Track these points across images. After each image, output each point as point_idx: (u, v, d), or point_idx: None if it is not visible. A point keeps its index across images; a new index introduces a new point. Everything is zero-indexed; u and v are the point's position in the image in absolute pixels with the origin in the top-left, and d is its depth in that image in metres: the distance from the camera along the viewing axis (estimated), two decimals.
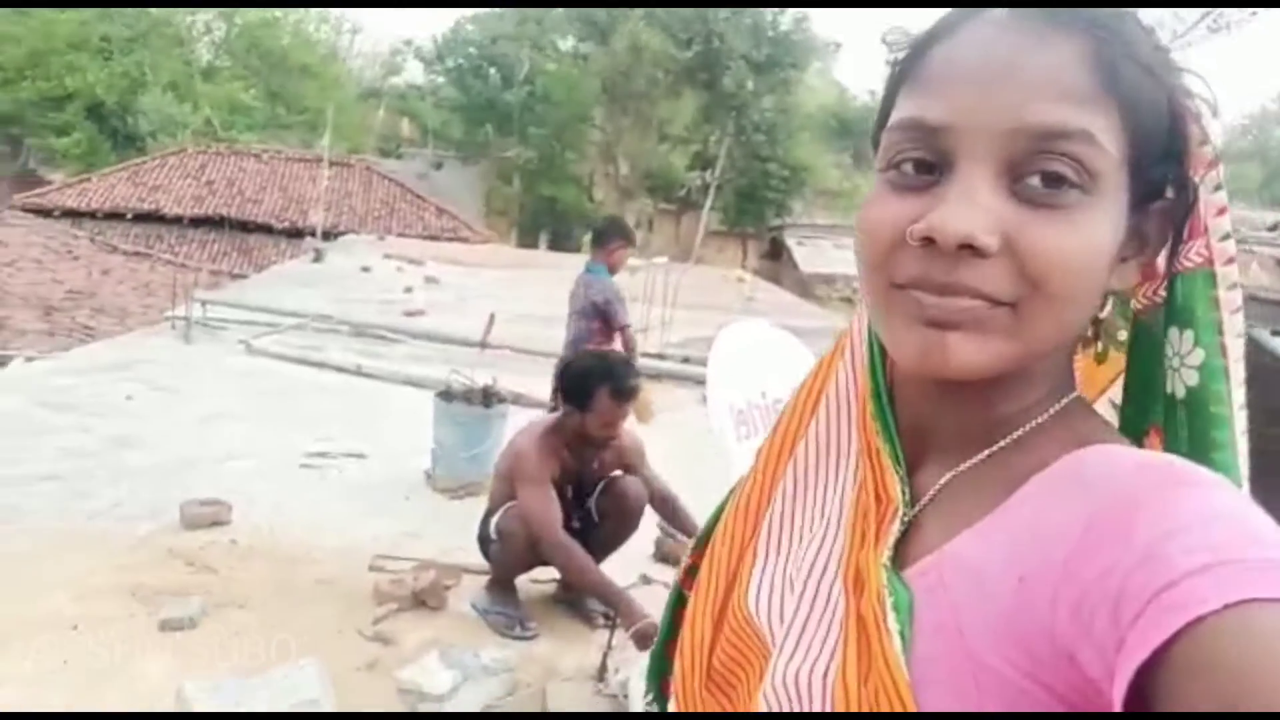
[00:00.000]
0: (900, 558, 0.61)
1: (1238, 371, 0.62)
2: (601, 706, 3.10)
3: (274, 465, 5.26)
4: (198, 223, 20.89)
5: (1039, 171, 0.54)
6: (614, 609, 3.42)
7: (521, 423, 5.13)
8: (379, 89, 37.25)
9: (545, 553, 3.52)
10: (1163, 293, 0.63)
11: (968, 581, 0.56)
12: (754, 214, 27.58)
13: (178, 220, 20.78)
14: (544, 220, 31.74)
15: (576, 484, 3.74)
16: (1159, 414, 0.64)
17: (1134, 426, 0.66)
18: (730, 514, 0.80)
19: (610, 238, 5.58)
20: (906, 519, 0.63)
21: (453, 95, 32.79)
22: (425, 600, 3.77)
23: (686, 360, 9.08)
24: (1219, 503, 0.49)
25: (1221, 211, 0.61)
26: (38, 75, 27.03)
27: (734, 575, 0.76)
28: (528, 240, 31.19)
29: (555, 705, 3.13)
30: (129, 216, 20.51)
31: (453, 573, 3.99)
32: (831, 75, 36.78)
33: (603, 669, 3.30)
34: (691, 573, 0.84)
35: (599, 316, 5.42)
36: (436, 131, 32.48)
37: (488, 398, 5.19)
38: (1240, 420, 0.62)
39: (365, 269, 14.53)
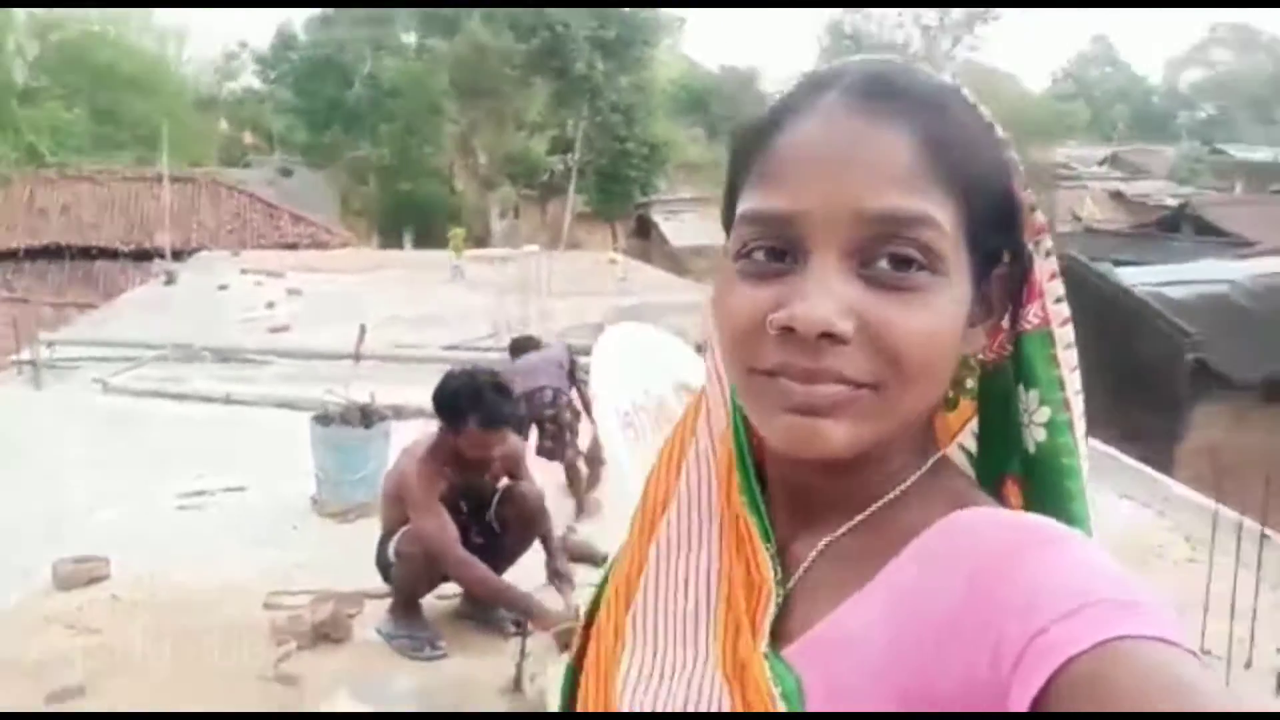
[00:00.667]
0: (777, 634, 0.62)
1: (1080, 426, 0.66)
2: None
3: (148, 510, 5.02)
4: (34, 254, 19.56)
5: (886, 255, 0.56)
6: (526, 615, 3.43)
7: (406, 437, 5.06)
8: (215, 97, 35.65)
9: (448, 572, 3.49)
10: (1009, 346, 0.66)
11: (850, 649, 0.57)
12: (619, 194, 27.61)
13: (12, 254, 19.42)
14: (405, 217, 31.02)
15: (471, 496, 3.71)
16: (1014, 465, 0.67)
17: (987, 475, 0.69)
18: (610, 592, 0.78)
19: None
20: (780, 598, 0.63)
21: (292, 99, 31.66)
22: (328, 633, 3.68)
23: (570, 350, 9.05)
24: (1082, 555, 0.53)
25: (1053, 276, 0.65)
26: None
27: (618, 653, 0.74)
28: (390, 239, 30.45)
29: None
30: None
31: (354, 600, 3.91)
32: (680, 50, 37.10)
33: (518, 679, 3.30)
34: (582, 651, 0.81)
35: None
36: (281, 137, 31.33)
37: (367, 417, 5.08)
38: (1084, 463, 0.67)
39: (222, 287, 13.95)
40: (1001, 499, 0.67)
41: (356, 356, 8.41)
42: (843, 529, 0.63)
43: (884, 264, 0.56)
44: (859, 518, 0.62)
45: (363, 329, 8.68)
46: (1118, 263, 10.49)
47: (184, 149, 25.77)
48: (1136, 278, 9.59)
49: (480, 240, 24.16)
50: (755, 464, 0.68)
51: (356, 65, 30.05)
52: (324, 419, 5.06)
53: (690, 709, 0.64)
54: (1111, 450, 6.12)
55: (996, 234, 0.61)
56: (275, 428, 6.53)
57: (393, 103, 28.95)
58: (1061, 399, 0.64)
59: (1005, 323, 0.65)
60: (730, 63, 39.14)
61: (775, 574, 0.64)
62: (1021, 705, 0.47)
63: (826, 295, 0.55)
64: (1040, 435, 0.65)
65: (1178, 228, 18.00)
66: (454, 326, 10.67)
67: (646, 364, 3.15)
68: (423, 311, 11.92)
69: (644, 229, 26.30)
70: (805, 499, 0.65)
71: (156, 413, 7.04)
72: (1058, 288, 0.64)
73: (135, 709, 3.19)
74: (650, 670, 0.68)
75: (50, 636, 3.67)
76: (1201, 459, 6.27)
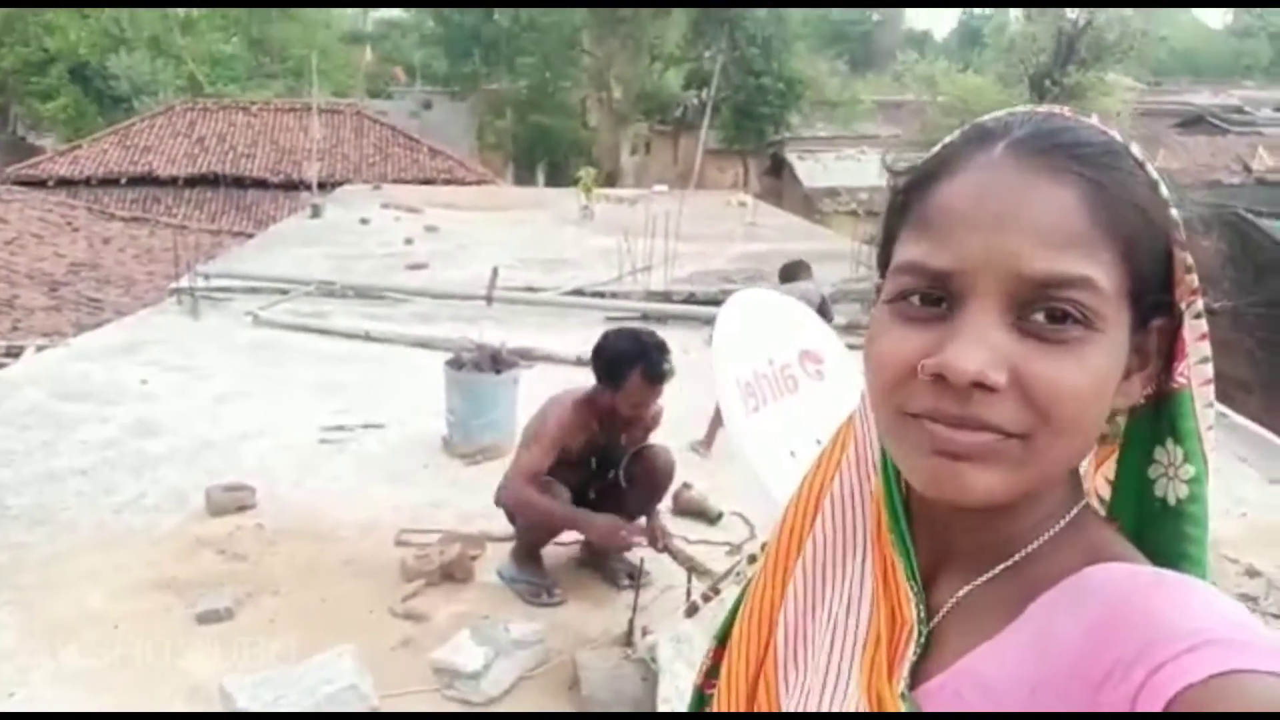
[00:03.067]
0: (916, 673, 0.65)
1: (1209, 485, 0.67)
2: (630, 672, 3.19)
3: (292, 442, 5.33)
4: (193, 182, 20.68)
5: (1043, 309, 0.57)
6: (578, 529, 3.65)
7: (536, 380, 5.18)
8: (361, 29, 36.51)
9: (507, 504, 3.66)
10: (1151, 399, 0.67)
11: (982, 695, 0.60)
12: (753, 131, 27.11)
13: (172, 181, 20.57)
14: (539, 152, 31.35)
15: (602, 456, 3.79)
16: (1129, 520, 0.68)
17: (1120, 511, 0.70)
18: (744, 619, 0.82)
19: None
20: (922, 639, 0.66)
21: (435, 29, 32.09)
22: (452, 574, 3.86)
23: (692, 298, 9.06)
24: (1202, 597, 0.55)
25: (1202, 337, 0.65)
26: (16, 40, 26.59)
27: (754, 681, 0.79)
28: (524, 173, 30.86)
29: (585, 674, 3.23)
30: (123, 181, 20.31)
31: (477, 543, 4.08)
32: None
33: (630, 633, 3.40)
34: (712, 673, 0.86)
35: None
36: (423, 69, 31.88)
37: (497, 363, 5.22)
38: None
39: (364, 221, 14.47)
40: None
41: (489, 298, 8.66)
42: (986, 575, 0.65)
43: (1040, 317, 0.57)
44: (1002, 566, 0.64)
45: (495, 271, 8.92)
46: None
47: (331, 80, 26.62)
48: None
49: (610, 177, 24.21)
50: (905, 508, 0.70)
51: None
52: (456, 363, 5.24)
53: None
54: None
55: (1154, 292, 0.61)
56: (411, 366, 6.81)
57: (530, 35, 29.04)
58: (1204, 458, 0.65)
59: (1155, 374, 0.66)
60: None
61: (920, 615, 0.66)
62: None
63: (980, 345, 0.57)
64: (1183, 492, 0.66)
65: None
66: (582, 268, 10.80)
67: (771, 331, 3.14)
68: (551, 253, 12.10)
69: (777, 168, 25.81)
70: (948, 541, 0.67)
71: (302, 347, 7.42)
72: (1205, 349, 0.65)
73: (276, 633, 3.44)
74: (797, 701, 0.73)
75: (201, 561, 3.97)
76: None
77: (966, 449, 0.57)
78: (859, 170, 22.41)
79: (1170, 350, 0.64)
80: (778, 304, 3.36)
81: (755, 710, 0.77)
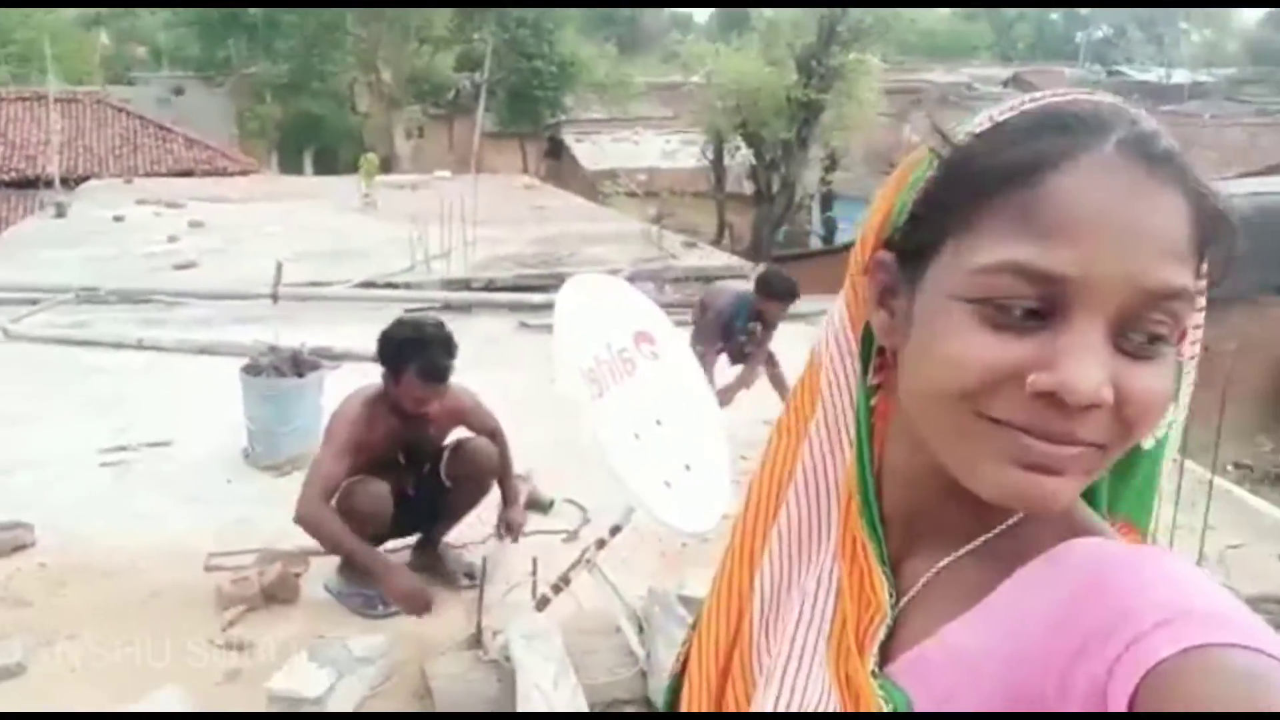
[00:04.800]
0: (885, 652, 0.64)
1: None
2: (485, 674, 3.10)
3: (68, 470, 4.81)
4: None
5: (1145, 326, 0.56)
6: (373, 576, 3.36)
7: (342, 381, 4.91)
8: (94, 10, 33.32)
9: (298, 519, 3.37)
10: None
11: (954, 664, 0.60)
12: (529, 114, 26.97)
13: None
14: (306, 139, 29.84)
15: (412, 451, 3.64)
16: (1124, 505, 0.70)
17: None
18: (712, 601, 0.80)
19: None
20: (891, 619, 0.65)
21: (184, 11, 29.75)
22: (276, 595, 3.61)
23: (492, 284, 8.92)
24: (1175, 571, 0.56)
25: (1199, 309, 0.66)
26: None
27: (726, 663, 0.77)
28: (290, 162, 29.30)
29: (436, 682, 3.11)
30: None
31: (299, 559, 3.83)
32: None
33: (479, 634, 3.30)
34: (689, 660, 0.84)
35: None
36: (172, 52, 29.53)
37: (299, 365, 4.92)
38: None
39: (118, 219, 13.23)
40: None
41: (275, 296, 8.15)
42: (960, 552, 0.65)
43: (1139, 336, 0.56)
44: (978, 541, 0.64)
45: (279, 266, 8.40)
46: None
47: (64, 66, 24.19)
48: None
49: (386, 164, 23.38)
50: (875, 484, 0.69)
51: None
52: (254, 368, 4.89)
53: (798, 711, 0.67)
54: None
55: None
56: (195, 375, 6.30)
57: (291, 16, 27.52)
58: (1174, 418, 0.68)
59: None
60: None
61: (890, 596, 0.66)
62: (1118, 709, 0.50)
63: (1098, 365, 0.55)
64: (1149, 444, 0.68)
65: None
66: (371, 259, 10.37)
67: (607, 317, 3.11)
68: (336, 244, 11.55)
69: (556, 150, 25.83)
70: (922, 519, 0.67)
71: (65, 362, 6.67)
72: (1199, 319, 0.67)
73: (81, 683, 3.09)
74: (765, 682, 0.71)
75: None
76: None
77: (1060, 463, 0.57)
78: (636, 152, 22.83)
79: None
80: (610, 287, 3.34)
81: (728, 691, 0.76)
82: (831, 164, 16.49)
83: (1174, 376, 0.60)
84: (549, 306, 3.98)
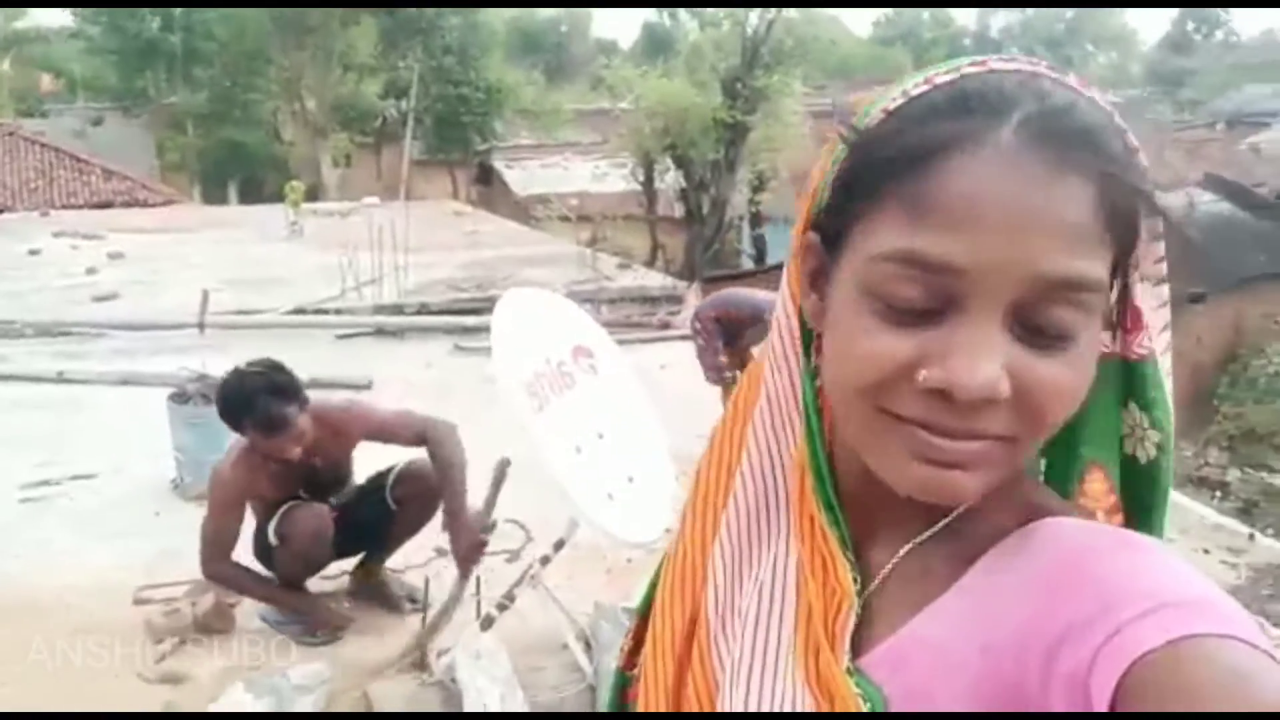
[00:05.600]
0: (854, 641, 0.62)
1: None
2: (431, 697, 3.05)
3: None
4: None
5: (1047, 316, 0.54)
6: (303, 613, 3.51)
7: None
8: (2, 38, 32.36)
9: (205, 578, 3.46)
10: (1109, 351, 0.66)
11: (931, 658, 0.58)
12: (458, 140, 26.85)
13: None
14: (230, 168, 29.28)
15: (311, 485, 3.52)
16: (1104, 457, 0.67)
17: (1065, 459, 0.68)
18: (666, 589, 0.77)
19: None
20: (859, 610, 0.63)
21: (101, 40, 28.99)
22: (210, 626, 3.50)
23: (425, 308, 8.83)
24: (1158, 559, 0.55)
25: (1163, 304, 0.64)
26: None
27: (683, 651, 0.74)
28: (214, 191, 28.72)
29: (381, 705, 3.05)
30: None
31: None
32: None
33: (423, 656, 3.25)
34: (635, 653, 0.82)
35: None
36: (88, 82, 28.75)
37: None
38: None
39: (33, 252, 12.83)
40: (1083, 484, 0.67)
41: (201, 325, 7.97)
42: (923, 536, 0.63)
43: (1040, 322, 0.54)
44: (939, 525, 0.62)
45: (205, 295, 8.22)
46: None
47: None
48: None
49: (313, 192, 23.06)
50: (829, 466, 0.66)
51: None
52: (181, 397, 4.76)
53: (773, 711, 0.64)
54: None
55: (1129, 269, 0.60)
56: (118, 406, 6.11)
57: (211, 46, 27.06)
58: (1171, 426, 0.65)
59: (1112, 346, 0.65)
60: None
61: (855, 585, 0.63)
62: (1101, 706, 0.49)
63: (989, 358, 0.53)
64: (1153, 452, 0.65)
65: None
66: (299, 287, 10.19)
67: (544, 331, 3.11)
68: (262, 272, 11.34)
69: (486, 177, 25.73)
70: (881, 505, 0.63)
71: None
72: (1166, 315, 0.65)
73: None
74: (732, 679, 0.68)
75: None
76: None
77: (962, 458, 0.55)
78: (566, 176, 22.86)
79: (1122, 322, 0.63)
80: (545, 301, 3.34)
81: (687, 683, 0.73)
82: (760, 184, 16.71)
83: (1089, 367, 0.56)
84: (484, 329, 3.95)
